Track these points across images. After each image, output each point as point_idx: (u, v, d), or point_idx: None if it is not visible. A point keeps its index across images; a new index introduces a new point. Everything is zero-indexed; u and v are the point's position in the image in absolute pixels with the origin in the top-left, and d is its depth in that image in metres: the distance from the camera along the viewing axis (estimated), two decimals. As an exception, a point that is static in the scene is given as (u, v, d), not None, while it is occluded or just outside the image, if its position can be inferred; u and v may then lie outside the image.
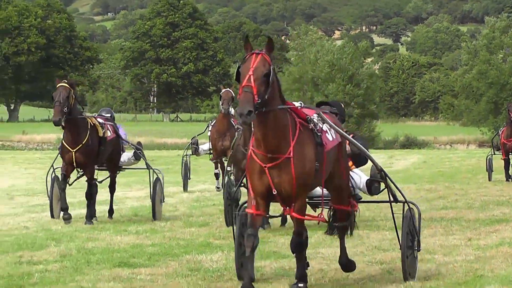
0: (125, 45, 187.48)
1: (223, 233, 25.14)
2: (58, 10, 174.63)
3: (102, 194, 30.69)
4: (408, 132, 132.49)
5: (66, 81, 24.02)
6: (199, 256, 20.80)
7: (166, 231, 25.71)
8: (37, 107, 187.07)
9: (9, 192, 30.66)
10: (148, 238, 24.21)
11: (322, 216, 15.66)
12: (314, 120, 14.97)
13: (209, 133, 36.87)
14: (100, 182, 28.09)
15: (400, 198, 17.52)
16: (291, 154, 13.76)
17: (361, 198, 20.15)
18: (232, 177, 23.08)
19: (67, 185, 26.26)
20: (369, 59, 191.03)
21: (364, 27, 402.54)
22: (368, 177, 20.61)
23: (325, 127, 15.24)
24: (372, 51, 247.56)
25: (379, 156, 72.06)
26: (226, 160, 33.84)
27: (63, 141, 25.22)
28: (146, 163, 28.40)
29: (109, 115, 27.57)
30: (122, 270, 18.57)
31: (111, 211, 28.19)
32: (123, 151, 28.62)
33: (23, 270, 18.51)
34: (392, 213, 17.49)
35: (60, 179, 26.20)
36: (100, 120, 25.69)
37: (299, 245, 15.24)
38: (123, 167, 29.41)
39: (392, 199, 17.29)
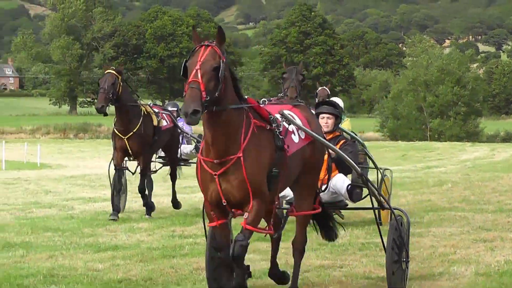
0: (263, 50, 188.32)
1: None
2: (207, 19, 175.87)
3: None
4: (508, 128, 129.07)
5: (113, 68, 21.25)
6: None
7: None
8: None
9: (164, 176, 30.75)
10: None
11: (271, 229, 12.09)
12: (278, 120, 11.84)
13: None
14: (155, 172, 25.49)
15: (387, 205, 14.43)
16: (241, 156, 10.85)
17: (347, 205, 16.94)
18: None
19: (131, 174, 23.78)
20: (475, 65, 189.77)
21: (470, 37, 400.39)
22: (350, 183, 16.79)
23: (292, 126, 12.21)
24: (477, 57, 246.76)
25: (482, 149, 73.01)
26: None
27: (115, 129, 22.20)
28: None
29: (175, 108, 25.40)
30: (260, 244, 18.09)
31: (174, 203, 24.37)
32: (188, 144, 25.84)
33: (175, 242, 19.04)
34: (377, 221, 14.91)
35: (116, 179, 22.58)
36: (156, 110, 22.80)
37: (241, 246, 11.40)
38: (189, 161, 26.04)
39: (377, 205, 14.50)
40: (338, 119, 15.58)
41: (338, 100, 22.61)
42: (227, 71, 10.76)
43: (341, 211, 19.49)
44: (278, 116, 11.96)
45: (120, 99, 20.87)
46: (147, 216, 22.65)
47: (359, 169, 12.99)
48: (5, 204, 28.24)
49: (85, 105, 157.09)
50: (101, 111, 20.46)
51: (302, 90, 18.06)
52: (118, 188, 22.17)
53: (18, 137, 79.41)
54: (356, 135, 20.08)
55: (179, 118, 24.89)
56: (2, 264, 16.72)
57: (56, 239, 19.90)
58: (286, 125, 11.82)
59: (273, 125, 11.25)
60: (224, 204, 10.90)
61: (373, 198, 16.61)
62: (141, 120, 21.38)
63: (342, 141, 14.76)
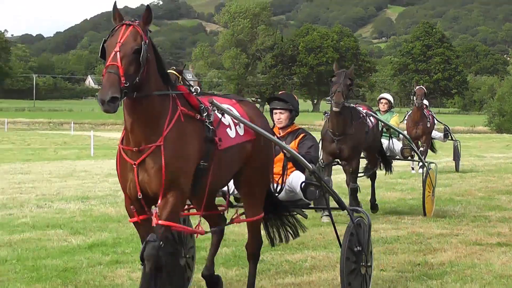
0: (393, 60, 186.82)
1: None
2: (348, 35, 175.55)
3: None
4: None
5: (174, 68, 18.04)
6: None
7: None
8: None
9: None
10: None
11: (201, 229, 9.30)
12: (210, 110, 9.12)
13: (405, 122, 30.88)
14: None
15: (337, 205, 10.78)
16: (162, 144, 8.43)
17: (309, 204, 12.40)
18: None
19: None
20: None
21: None
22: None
23: (228, 120, 9.41)
24: None
25: None
26: (421, 144, 29.32)
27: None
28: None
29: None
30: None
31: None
32: None
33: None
34: (333, 222, 10.47)
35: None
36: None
37: (152, 248, 8.45)
38: None
39: (334, 206, 10.66)
40: (292, 112, 12.05)
41: (388, 96, 21.78)
42: (150, 53, 8.42)
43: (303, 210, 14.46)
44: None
45: None
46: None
47: (310, 166, 10.22)
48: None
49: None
50: None
51: (350, 94, 16.42)
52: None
53: None
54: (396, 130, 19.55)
55: None
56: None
57: None
58: (219, 116, 9.19)
59: (203, 114, 8.84)
60: (139, 197, 8.44)
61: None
62: None
63: (301, 135, 11.57)
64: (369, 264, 10.56)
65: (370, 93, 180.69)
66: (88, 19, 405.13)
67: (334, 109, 16.05)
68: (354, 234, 10.13)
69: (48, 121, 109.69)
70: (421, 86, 29.54)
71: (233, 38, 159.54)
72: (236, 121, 9.48)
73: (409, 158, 21.18)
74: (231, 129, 9.43)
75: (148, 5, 8.89)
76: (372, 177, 18.84)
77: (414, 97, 29.06)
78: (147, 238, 8.28)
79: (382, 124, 18.87)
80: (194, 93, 9.21)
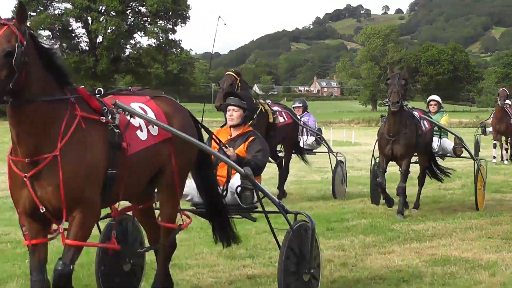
0: (497, 70, 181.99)
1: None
2: (460, 50, 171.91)
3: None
4: None
5: (233, 70, 16.52)
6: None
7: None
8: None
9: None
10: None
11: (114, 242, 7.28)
12: (115, 112, 7.10)
13: (490, 119, 30.13)
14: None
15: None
16: (58, 155, 6.44)
17: (256, 207, 9.70)
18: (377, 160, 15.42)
19: None
20: None
21: None
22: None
23: (139, 121, 7.37)
24: None
25: None
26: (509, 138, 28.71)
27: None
28: (328, 147, 19.02)
29: (300, 105, 19.45)
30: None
31: (280, 193, 17.23)
32: (311, 136, 19.13)
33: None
34: (270, 225, 8.34)
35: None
36: (276, 108, 17.09)
37: (63, 277, 6.50)
38: (313, 150, 19.77)
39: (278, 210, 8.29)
40: (246, 112, 9.67)
41: (437, 98, 18.54)
42: (30, 56, 6.31)
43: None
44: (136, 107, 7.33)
45: None
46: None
47: (242, 170, 8.02)
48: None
49: (382, 105, 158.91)
50: (220, 109, 15.42)
51: (405, 94, 14.49)
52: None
53: (339, 126, 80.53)
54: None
55: (305, 113, 19.53)
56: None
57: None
58: (128, 118, 7.08)
59: (107, 118, 6.81)
60: (42, 211, 6.41)
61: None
62: (256, 116, 15.15)
63: (251, 138, 9.26)
64: (313, 271, 7.92)
65: (478, 96, 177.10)
66: (254, 40, 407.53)
67: (392, 109, 14.18)
68: (294, 240, 7.80)
69: (223, 120, 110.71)
70: (503, 88, 29.01)
71: (368, 54, 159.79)
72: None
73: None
74: (142, 131, 7.16)
75: (20, 1, 6.97)
76: (421, 181, 16.26)
77: (498, 98, 28.42)
78: (56, 266, 6.32)
79: (436, 125, 16.52)
80: (98, 95, 7.07)
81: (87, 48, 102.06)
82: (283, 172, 17.51)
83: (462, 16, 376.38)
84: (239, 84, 15.89)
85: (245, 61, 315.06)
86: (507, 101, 29.25)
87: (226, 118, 9.18)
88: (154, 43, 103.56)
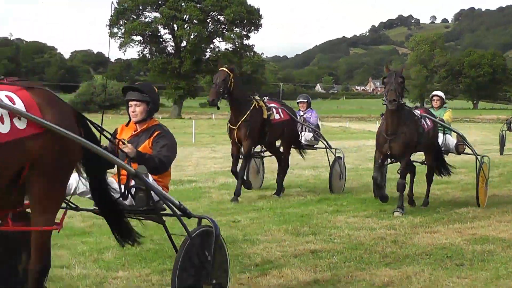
0: None
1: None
2: (498, 55, 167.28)
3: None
4: None
5: (226, 66, 14.43)
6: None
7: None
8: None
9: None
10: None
11: None
12: None
13: (508, 121, 29.07)
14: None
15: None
16: None
17: (163, 209, 7.12)
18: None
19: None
20: None
21: None
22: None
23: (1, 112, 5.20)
24: None
25: None
26: None
27: (228, 121, 14.67)
28: (326, 144, 16.72)
29: (305, 100, 16.97)
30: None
31: (279, 190, 15.20)
32: (305, 131, 16.72)
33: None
34: (167, 231, 6.55)
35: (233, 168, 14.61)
36: (272, 105, 15.08)
37: None
38: (314, 146, 17.20)
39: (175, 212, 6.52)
40: (149, 105, 8.00)
41: (440, 93, 15.62)
42: None
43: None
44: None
45: (232, 94, 13.96)
46: (234, 201, 13.75)
47: (131, 169, 6.55)
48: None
49: (427, 103, 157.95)
50: (212, 104, 13.94)
51: (403, 92, 12.38)
52: (241, 174, 14.25)
53: None
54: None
55: (308, 109, 17.17)
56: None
57: None
58: None
59: None
60: None
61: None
62: (249, 112, 14.12)
63: (156, 133, 7.73)
64: (215, 281, 6.34)
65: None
66: (317, 45, 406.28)
67: (389, 107, 12.09)
68: (192, 246, 6.17)
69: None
70: None
71: (417, 58, 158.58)
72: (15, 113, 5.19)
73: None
74: (2, 123, 5.21)
75: None
76: (429, 179, 14.35)
77: None
78: None
79: (438, 122, 14.06)
80: None
81: (172, 51, 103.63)
82: (283, 168, 15.54)
83: (501, 26, 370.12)
84: (232, 80, 14.01)
85: (309, 63, 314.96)
86: None
87: (129, 115, 7.60)
88: (230, 47, 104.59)
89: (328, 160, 16.42)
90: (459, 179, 18.50)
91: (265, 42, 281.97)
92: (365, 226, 11.09)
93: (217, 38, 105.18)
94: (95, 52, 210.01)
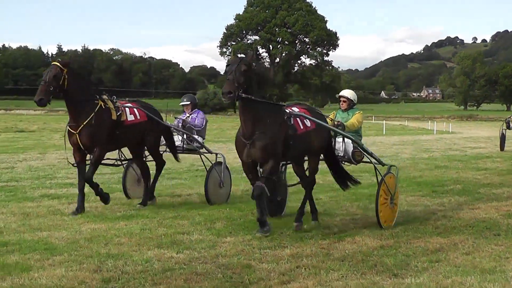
0: None
1: None
2: None
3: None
4: None
5: (60, 60, 9.72)
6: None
7: None
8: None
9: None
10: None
11: None
12: None
13: (508, 119, 24.47)
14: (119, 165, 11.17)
15: None
16: None
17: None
18: None
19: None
20: None
21: None
22: None
23: None
24: None
25: None
26: None
27: (67, 125, 9.70)
28: (202, 147, 11.51)
29: (188, 102, 11.79)
30: None
31: (147, 195, 10.59)
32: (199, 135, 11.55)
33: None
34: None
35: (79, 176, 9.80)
36: (128, 105, 10.32)
37: None
38: (187, 150, 11.52)
39: None
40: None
41: (347, 93, 9.86)
42: None
43: None
44: None
45: (67, 92, 9.39)
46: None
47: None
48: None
49: (471, 106, 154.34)
50: (40, 104, 9.15)
51: (251, 83, 7.74)
52: (80, 186, 9.60)
53: (441, 120, 77.90)
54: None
55: (195, 110, 11.88)
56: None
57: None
58: None
59: None
60: None
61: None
62: (93, 114, 9.50)
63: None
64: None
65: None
66: (382, 60, 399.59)
67: (224, 100, 7.57)
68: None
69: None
70: None
71: (462, 70, 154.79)
72: None
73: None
74: None
75: None
76: (308, 186, 9.12)
77: None
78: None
79: (323, 125, 8.87)
80: None
81: (268, 66, 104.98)
82: (147, 173, 10.85)
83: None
84: (66, 76, 9.31)
85: (375, 75, 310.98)
86: None
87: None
88: (314, 62, 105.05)
89: (204, 166, 11.25)
90: (495, 166, 17.96)
91: (342, 58, 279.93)
92: (420, 203, 10.88)
93: (303, 55, 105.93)
94: (208, 67, 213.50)
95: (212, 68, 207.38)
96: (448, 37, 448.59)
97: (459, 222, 9.12)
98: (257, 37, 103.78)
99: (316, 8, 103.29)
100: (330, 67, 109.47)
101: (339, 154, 9.48)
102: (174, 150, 11.21)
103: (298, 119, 8.39)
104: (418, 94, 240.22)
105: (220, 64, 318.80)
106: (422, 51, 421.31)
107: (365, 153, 9.38)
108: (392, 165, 9.44)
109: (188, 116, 11.82)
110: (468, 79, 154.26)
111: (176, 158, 11.34)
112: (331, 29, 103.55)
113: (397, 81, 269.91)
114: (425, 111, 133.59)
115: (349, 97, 9.83)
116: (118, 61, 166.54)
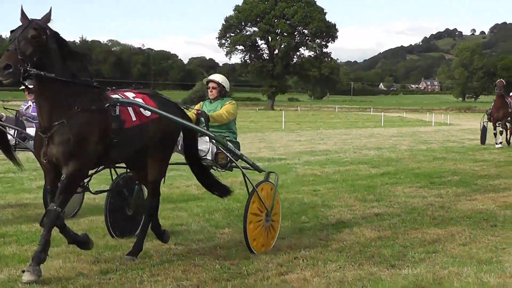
0: None
1: None
2: None
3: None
4: None
5: None
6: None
7: None
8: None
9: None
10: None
11: None
12: None
13: (488, 111, 22.19)
14: None
15: None
16: None
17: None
18: None
19: None
20: None
21: None
22: None
23: None
24: None
25: None
26: (498, 125, 21.27)
27: None
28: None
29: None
30: None
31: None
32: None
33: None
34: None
35: None
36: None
37: None
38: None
39: None
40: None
41: (217, 77, 7.71)
42: None
43: None
44: None
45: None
46: None
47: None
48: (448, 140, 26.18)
49: (469, 97, 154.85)
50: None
51: (45, 54, 5.31)
52: None
53: (439, 111, 78.14)
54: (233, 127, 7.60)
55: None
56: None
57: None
58: None
59: None
60: None
61: None
62: None
63: None
64: None
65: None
66: (381, 52, 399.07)
67: (1, 79, 5.21)
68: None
69: (359, 106, 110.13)
70: (501, 79, 23.04)
71: (460, 62, 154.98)
72: None
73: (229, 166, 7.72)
74: None
75: None
76: (149, 210, 6.68)
77: (496, 88, 22.29)
78: None
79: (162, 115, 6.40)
80: None
81: (267, 57, 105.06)
82: None
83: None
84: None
85: (374, 67, 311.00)
86: None
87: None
88: (312, 54, 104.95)
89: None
90: (492, 157, 17.98)
91: (340, 50, 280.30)
92: (418, 195, 10.90)
93: (302, 47, 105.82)
94: (207, 58, 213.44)
95: (211, 60, 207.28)
96: (447, 29, 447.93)
97: (456, 213, 9.12)
98: (256, 29, 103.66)
99: (315, 0, 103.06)
100: (329, 59, 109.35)
101: (206, 157, 7.15)
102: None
103: (130, 108, 6.12)
104: (416, 86, 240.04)
105: (219, 56, 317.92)
106: (421, 43, 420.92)
107: (228, 155, 6.98)
108: (271, 172, 7.33)
109: (29, 106, 9.00)
110: (466, 71, 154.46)
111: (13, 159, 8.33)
112: (330, 20, 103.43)
113: (396, 73, 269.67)
114: (423, 103, 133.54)
115: (219, 81, 7.70)
116: (116, 52, 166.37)
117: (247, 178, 6.87)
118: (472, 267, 6.13)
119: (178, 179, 12.43)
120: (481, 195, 10.98)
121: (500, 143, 21.92)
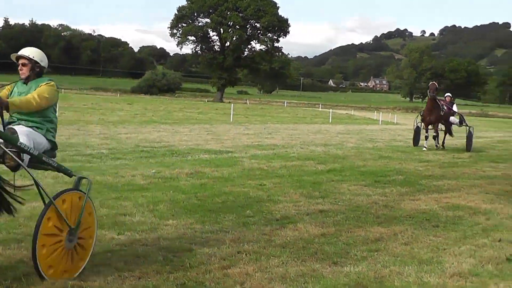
0: (496, 78, 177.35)
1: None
2: (473, 63, 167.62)
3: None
4: None
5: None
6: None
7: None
8: None
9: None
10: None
11: None
12: None
13: (422, 112, 21.52)
14: None
15: None
16: None
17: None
18: None
19: None
20: None
21: None
22: None
23: None
24: None
25: None
26: (431, 129, 21.09)
27: None
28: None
29: None
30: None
31: None
32: None
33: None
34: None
35: None
36: None
37: None
38: None
39: None
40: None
41: (29, 51, 5.81)
42: None
43: None
44: None
45: None
46: None
47: None
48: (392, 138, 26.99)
49: (416, 98, 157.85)
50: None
51: None
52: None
53: (387, 110, 79.11)
54: None
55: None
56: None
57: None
58: None
59: None
60: None
61: None
62: None
63: None
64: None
65: (483, 95, 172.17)
66: (332, 49, 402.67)
67: None
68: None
69: (308, 102, 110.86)
70: (433, 82, 22.54)
71: (409, 63, 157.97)
72: None
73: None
74: None
75: None
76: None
77: (428, 90, 21.83)
78: None
79: None
80: None
81: (218, 49, 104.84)
82: None
83: (476, 40, 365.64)
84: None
85: (325, 63, 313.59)
86: (448, 94, 24.06)
87: None
88: (264, 48, 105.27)
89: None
90: (437, 158, 18.32)
91: (291, 45, 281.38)
92: (363, 193, 11.01)
93: (254, 40, 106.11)
94: (158, 47, 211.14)
95: (162, 49, 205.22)
96: (398, 29, 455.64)
97: (399, 213, 9.26)
98: (208, 20, 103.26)
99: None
100: (280, 54, 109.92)
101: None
102: None
103: None
104: (365, 84, 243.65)
105: (170, 46, 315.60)
106: (371, 42, 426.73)
107: (12, 157, 5.17)
108: (82, 177, 5.69)
109: None
110: (415, 72, 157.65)
111: None
112: (282, 15, 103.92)
113: (346, 70, 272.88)
114: (372, 101, 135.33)
115: (30, 56, 5.93)
116: (66, 37, 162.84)
117: (41, 188, 5.20)
118: (413, 266, 6.23)
119: (123, 168, 12.25)
120: (425, 195, 11.16)
121: (425, 147, 21.45)
